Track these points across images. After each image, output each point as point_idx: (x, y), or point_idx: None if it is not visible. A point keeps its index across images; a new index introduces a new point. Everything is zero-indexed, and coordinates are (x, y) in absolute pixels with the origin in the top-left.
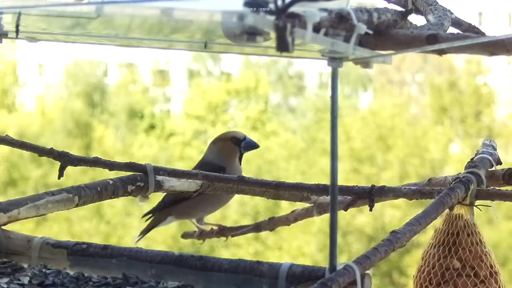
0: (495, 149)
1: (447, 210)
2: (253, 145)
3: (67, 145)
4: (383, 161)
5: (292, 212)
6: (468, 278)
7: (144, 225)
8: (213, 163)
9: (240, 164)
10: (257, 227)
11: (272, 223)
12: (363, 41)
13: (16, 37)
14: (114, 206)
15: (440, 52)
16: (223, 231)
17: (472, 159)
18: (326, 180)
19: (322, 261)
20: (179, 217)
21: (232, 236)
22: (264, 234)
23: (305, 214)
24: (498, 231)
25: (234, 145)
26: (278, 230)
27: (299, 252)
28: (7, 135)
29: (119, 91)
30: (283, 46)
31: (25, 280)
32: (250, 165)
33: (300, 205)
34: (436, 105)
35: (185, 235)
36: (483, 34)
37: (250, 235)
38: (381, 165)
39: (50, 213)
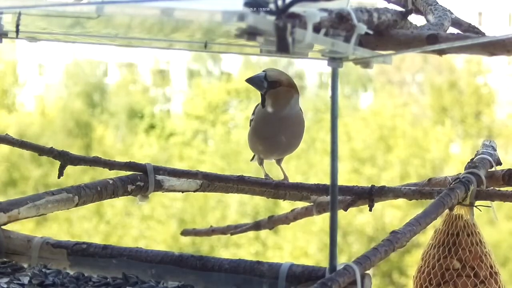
0: (495, 150)
1: (447, 211)
2: (252, 80)
3: (67, 145)
4: (384, 162)
5: (291, 211)
6: (468, 278)
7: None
8: None
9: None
10: (256, 225)
11: (271, 222)
12: (363, 41)
13: (16, 37)
14: (114, 206)
15: (440, 52)
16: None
17: (472, 159)
18: (326, 181)
19: (323, 260)
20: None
21: (232, 234)
22: (265, 234)
23: (305, 213)
24: (498, 231)
25: None
26: (279, 230)
27: (300, 252)
28: (7, 134)
29: (119, 91)
30: (283, 46)
31: (25, 280)
32: (250, 165)
33: (300, 204)
34: (436, 105)
35: (185, 232)
36: (483, 34)
37: (251, 235)
38: (381, 165)
39: (50, 212)
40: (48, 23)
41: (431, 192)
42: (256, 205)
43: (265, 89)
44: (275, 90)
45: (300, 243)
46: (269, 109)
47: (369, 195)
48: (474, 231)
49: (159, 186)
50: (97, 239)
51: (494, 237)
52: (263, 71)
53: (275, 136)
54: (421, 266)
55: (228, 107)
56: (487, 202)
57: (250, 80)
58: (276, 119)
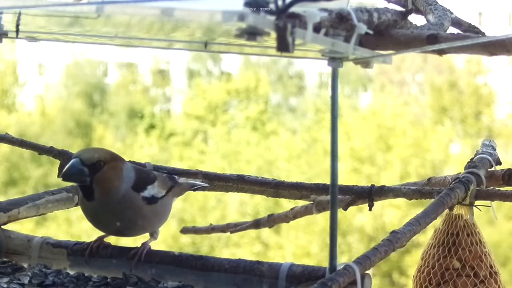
0: (495, 149)
1: (447, 210)
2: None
3: (67, 145)
4: (384, 161)
5: (291, 209)
6: (468, 278)
7: None
8: None
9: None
10: (256, 224)
11: (271, 220)
12: (363, 41)
13: (16, 37)
14: None
15: (440, 52)
16: (225, 229)
17: (471, 159)
18: (327, 180)
19: (324, 260)
20: None
21: (231, 232)
22: (266, 234)
23: (304, 211)
24: (498, 231)
25: None
26: (280, 230)
27: (302, 252)
28: (6, 133)
29: (119, 91)
30: (283, 46)
31: (25, 280)
32: (250, 165)
33: (300, 203)
34: (436, 105)
35: (184, 230)
36: (483, 34)
37: (252, 235)
38: (381, 165)
39: (50, 212)
40: (48, 22)
41: (431, 191)
42: (256, 204)
43: (89, 178)
44: (102, 172)
45: (301, 243)
46: (101, 196)
47: (369, 195)
48: (474, 231)
49: None
50: None
51: (494, 237)
52: (74, 157)
53: (109, 228)
54: (421, 266)
55: (228, 107)
56: (487, 202)
57: (66, 177)
58: (105, 209)
